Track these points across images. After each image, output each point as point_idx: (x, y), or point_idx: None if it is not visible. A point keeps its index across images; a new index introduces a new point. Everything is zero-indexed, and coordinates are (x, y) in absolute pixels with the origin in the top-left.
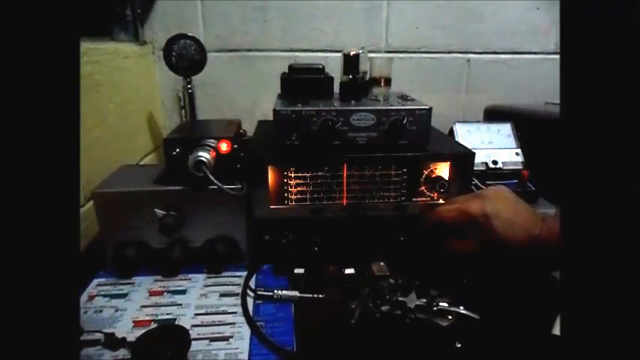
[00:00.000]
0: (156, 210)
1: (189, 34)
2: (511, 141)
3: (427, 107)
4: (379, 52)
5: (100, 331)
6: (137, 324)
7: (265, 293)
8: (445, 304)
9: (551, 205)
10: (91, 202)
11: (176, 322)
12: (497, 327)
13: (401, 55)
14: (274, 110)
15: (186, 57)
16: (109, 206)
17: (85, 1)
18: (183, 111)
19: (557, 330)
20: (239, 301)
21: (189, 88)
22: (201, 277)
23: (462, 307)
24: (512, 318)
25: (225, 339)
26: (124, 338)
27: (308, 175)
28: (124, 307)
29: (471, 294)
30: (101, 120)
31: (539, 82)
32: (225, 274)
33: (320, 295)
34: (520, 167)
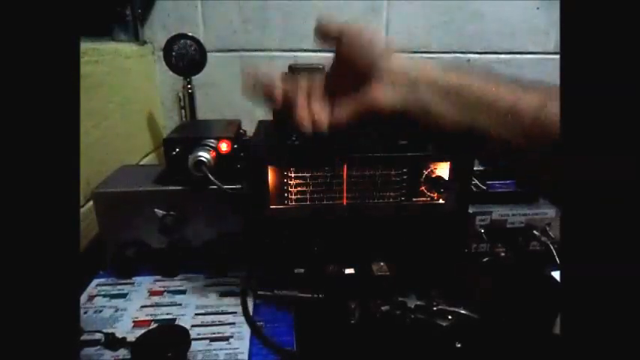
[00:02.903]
0: (156, 210)
1: (189, 34)
2: None
3: None
4: None
5: (100, 331)
6: (137, 324)
7: (265, 293)
8: (445, 304)
9: (552, 206)
10: (91, 202)
11: (176, 322)
12: (497, 327)
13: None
14: (274, 110)
15: (186, 57)
16: (109, 206)
17: (85, 1)
18: (183, 111)
19: (557, 330)
20: (239, 301)
21: (189, 88)
22: (201, 277)
23: (462, 307)
24: (512, 318)
25: (225, 339)
26: (124, 338)
27: (308, 175)
28: (124, 307)
29: (470, 294)
30: (101, 120)
31: None
32: (225, 273)
33: (320, 295)
34: None
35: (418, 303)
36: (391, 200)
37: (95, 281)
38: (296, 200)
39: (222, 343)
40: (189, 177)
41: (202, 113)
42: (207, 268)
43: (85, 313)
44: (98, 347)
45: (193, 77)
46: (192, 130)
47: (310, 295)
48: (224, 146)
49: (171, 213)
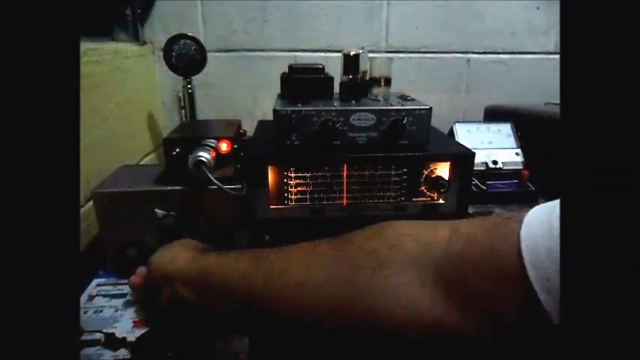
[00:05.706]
0: (156, 210)
1: (189, 34)
2: (511, 141)
3: (427, 107)
4: (379, 52)
5: (100, 331)
6: (137, 324)
7: None
8: None
9: None
10: (91, 202)
11: None
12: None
13: (401, 55)
14: (274, 110)
15: (186, 57)
16: (109, 206)
17: (85, 1)
18: (183, 111)
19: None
20: None
21: (189, 88)
22: None
23: None
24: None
25: (225, 339)
26: (124, 338)
27: (308, 175)
28: (124, 307)
29: None
30: (101, 120)
31: (539, 82)
32: None
33: None
34: (520, 167)
35: None
36: (391, 200)
37: (95, 281)
38: (296, 200)
39: (222, 343)
40: (189, 177)
41: (202, 113)
42: None
43: (85, 313)
44: (98, 347)
45: (193, 77)
46: (192, 130)
47: None
48: (224, 146)
49: (172, 213)
